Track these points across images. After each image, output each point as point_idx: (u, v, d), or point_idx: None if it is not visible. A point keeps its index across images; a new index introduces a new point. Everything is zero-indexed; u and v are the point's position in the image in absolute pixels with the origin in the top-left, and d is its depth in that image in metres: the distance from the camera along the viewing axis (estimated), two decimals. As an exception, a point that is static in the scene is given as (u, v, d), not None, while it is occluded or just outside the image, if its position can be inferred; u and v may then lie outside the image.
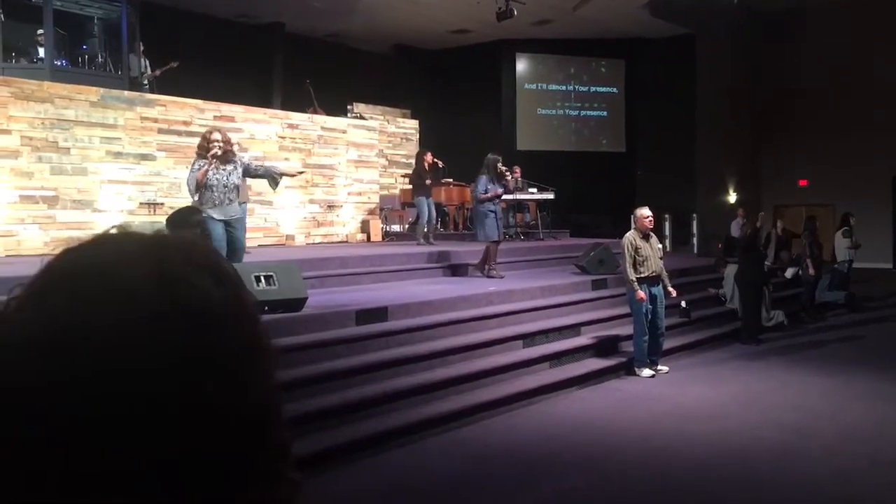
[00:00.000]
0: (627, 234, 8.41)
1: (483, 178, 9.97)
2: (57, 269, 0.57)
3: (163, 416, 0.52)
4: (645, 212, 8.45)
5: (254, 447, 0.56)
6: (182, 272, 0.56)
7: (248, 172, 7.31)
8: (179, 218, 4.08)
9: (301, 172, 8.94)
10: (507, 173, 10.23)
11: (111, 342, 0.52)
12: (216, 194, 6.92)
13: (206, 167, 6.89)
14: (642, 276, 8.19)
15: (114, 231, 0.61)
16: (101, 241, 0.59)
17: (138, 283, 0.54)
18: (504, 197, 14.29)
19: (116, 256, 0.56)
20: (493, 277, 9.96)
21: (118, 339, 0.52)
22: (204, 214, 6.94)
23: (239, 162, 7.18)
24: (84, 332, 0.52)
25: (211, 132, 7.10)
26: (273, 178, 7.51)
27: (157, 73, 12.54)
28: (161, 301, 0.54)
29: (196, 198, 7.05)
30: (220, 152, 6.90)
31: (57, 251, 0.59)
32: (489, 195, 9.82)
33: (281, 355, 0.60)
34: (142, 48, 12.49)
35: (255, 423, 0.56)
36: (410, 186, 14.02)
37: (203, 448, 0.53)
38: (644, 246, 8.26)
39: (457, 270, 10.72)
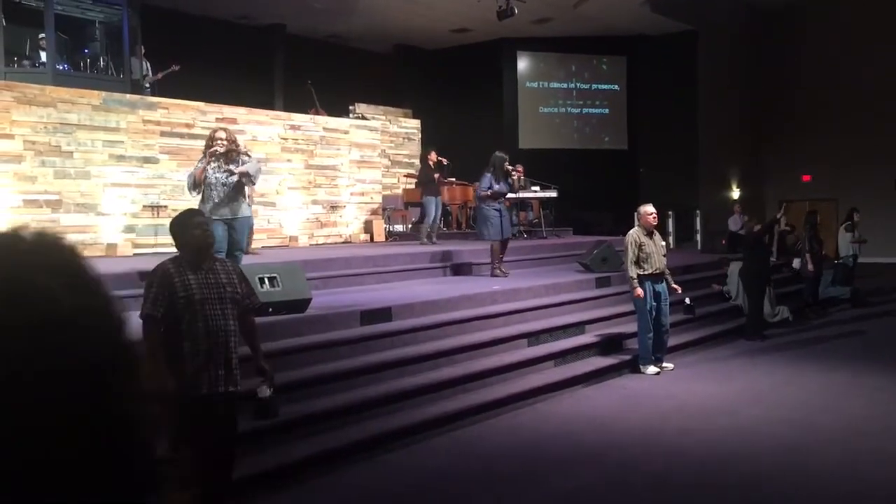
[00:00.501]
0: (631, 231, 8.41)
1: (487, 176, 9.95)
2: None
3: None
4: (649, 208, 8.45)
5: (106, 458, 0.53)
6: (29, 277, 0.53)
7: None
8: (182, 221, 4.09)
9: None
10: (514, 173, 10.20)
11: None
12: (215, 192, 6.90)
13: (203, 165, 6.89)
14: (646, 273, 8.19)
15: None
16: None
17: None
18: (508, 196, 14.36)
19: None
20: (496, 276, 9.95)
21: None
22: (206, 213, 6.94)
23: (243, 162, 7.15)
24: None
25: (216, 130, 7.13)
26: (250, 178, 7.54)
27: (160, 76, 12.55)
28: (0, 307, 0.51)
29: (194, 195, 7.05)
30: (221, 150, 6.90)
31: None
32: (488, 193, 9.83)
33: (142, 366, 0.56)
34: (143, 51, 12.50)
35: (107, 434, 0.53)
36: (414, 186, 14.02)
37: (44, 459, 0.50)
38: (648, 243, 8.26)
39: (460, 270, 10.71)
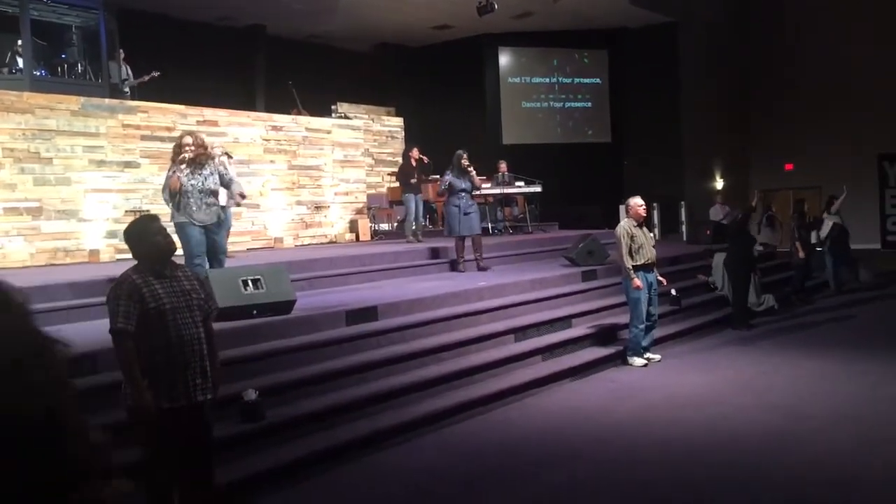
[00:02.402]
0: (622, 223, 8.43)
1: (448, 175, 10.23)
2: None
3: None
4: (638, 200, 8.49)
5: (30, 460, 0.54)
6: None
7: (221, 180, 7.22)
8: (140, 229, 3.99)
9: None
10: (471, 168, 10.29)
11: None
12: (192, 199, 6.87)
13: (176, 174, 6.83)
14: (638, 263, 8.21)
15: None
16: None
17: None
18: (492, 191, 14.36)
19: None
20: (459, 272, 10.09)
21: None
22: (183, 219, 6.89)
23: (216, 166, 7.11)
24: None
25: (182, 136, 7.05)
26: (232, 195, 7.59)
27: (145, 79, 12.40)
28: None
29: (171, 205, 7.00)
30: (189, 156, 6.85)
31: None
32: (444, 189, 10.21)
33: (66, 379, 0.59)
34: (122, 55, 12.40)
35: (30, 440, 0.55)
36: (397, 184, 13.98)
37: None
38: (639, 234, 8.29)
39: (446, 267, 10.70)
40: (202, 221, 6.91)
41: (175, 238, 4.40)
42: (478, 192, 11.28)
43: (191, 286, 3.96)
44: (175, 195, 6.87)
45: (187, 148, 6.83)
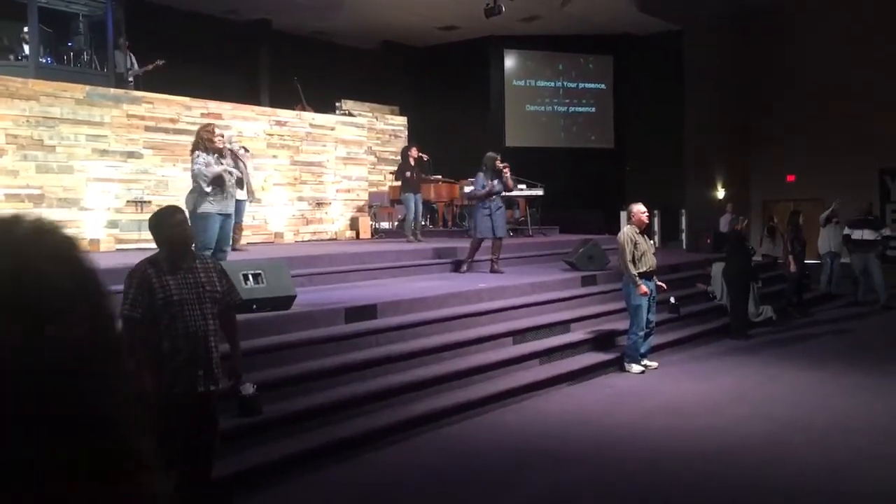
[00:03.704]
0: (625, 230, 8.42)
1: (479, 177, 10.06)
2: None
3: None
4: (641, 207, 8.48)
5: (84, 445, 0.52)
6: (29, 261, 0.52)
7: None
8: (161, 218, 4.04)
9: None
10: (507, 170, 10.19)
11: None
12: (225, 188, 6.99)
13: (212, 159, 6.92)
14: (641, 271, 8.19)
15: None
16: None
17: None
18: (502, 194, 14.34)
19: None
20: (462, 272, 10.07)
21: None
22: (211, 210, 6.93)
23: (239, 158, 7.29)
24: None
25: (214, 126, 7.18)
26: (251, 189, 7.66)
27: (148, 68, 12.39)
28: None
29: (209, 190, 6.99)
30: (227, 147, 7.02)
31: None
32: (483, 192, 9.94)
33: (129, 361, 0.58)
34: (126, 44, 12.38)
35: (87, 423, 0.53)
36: (398, 183, 13.98)
37: (19, 439, 0.49)
38: (641, 241, 8.29)
39: (447, 267, 10.69)
40: (226, 210, 7.03)
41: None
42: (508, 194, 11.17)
43: (207, 278, 3.98)
44: (213, 182, 6.92)
45: (219, 139, 6.94)
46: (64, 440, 0.51)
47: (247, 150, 10.36)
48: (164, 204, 6.88)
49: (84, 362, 0.52)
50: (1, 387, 0.49)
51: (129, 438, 0.56)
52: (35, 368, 0.50)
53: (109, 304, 0.56)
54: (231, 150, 10.17)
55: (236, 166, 7.25)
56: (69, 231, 0.59)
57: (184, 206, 6.92)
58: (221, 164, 6.98)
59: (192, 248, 4.14)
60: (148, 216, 4.22)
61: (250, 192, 10.13)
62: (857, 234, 13.26)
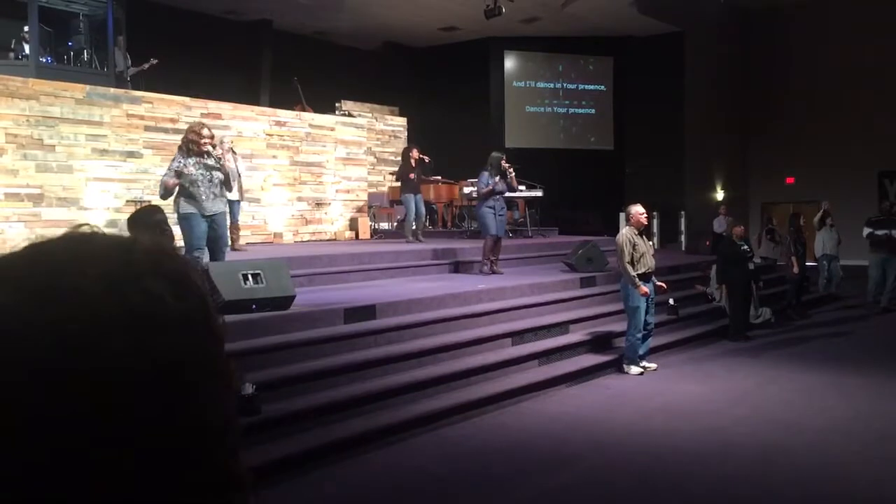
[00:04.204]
0: (624, 231, 8.41)
1: (484, 175, 10.03)
2: (10, 262, 0.55)
3: (80, 421, 0.48)
4: (640, 209, 8.48)
5: (185, 467, 0.52)
6: (138, 278, 0.53)
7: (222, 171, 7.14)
8: (140, 219, 3.97)
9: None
10: (512, 170, 10.18)
11: (45, 340, 0.49)
12: (202, 189, 6.77)
13: (180, 165, 6.73)
14: (640, 272, 8.19)
15: (85, 230, 0.58)
16: (68, 238, 0.56)
17: (86, 283, 0.51)
18: (505, 194, 14.34)
19: (74, 255, 0.54)
20: (484, 273, 9.99)
21: (52, 337, 0.49)
22: (190, 210, 6.82)
23: (220, 157, 7.07)
24: (19, 327, 0.49)
25: (201, 127, 6.92)
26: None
27: (145, 66, 12.38)
28: (106, 304, 0.51)
29: (171, 198, 6.88)
30: (212, 149, 6.85)
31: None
32: (486, 190, 9.90)
33: (238, 385, 0.59)
34: (123, 43, 12.38)
35: (191, 444, 0.53)
36: (398, 184, 13.98)
37: (120, 455, 0.49)
38: (640, 242, 8.29)
39: (446, 268, 10.70)
40: (210, 212, 6.85)
41: (175, 230, 4.37)
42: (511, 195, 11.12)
43: None
44: (171, 194, 6.81)
45: (205, 140, 6.77)
46: (173, 454, 0.52)
47: (234, 152, 10.36)
48: (164, 203, 6.93)
49: (186, 381, 0.53)
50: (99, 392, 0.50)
51: (229, 458, 0.57)
52: (138, 381, 0.51)
53: (213, 324, 0.57)
54: (232, 150, 10.19)
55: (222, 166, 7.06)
56: (182, 254, 0.60)
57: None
58: (203, 164, 6.82)
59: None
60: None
61: (240, 192, 10.13)
62: (881, 233, 12.95)
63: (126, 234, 0.61)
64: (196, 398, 0.54)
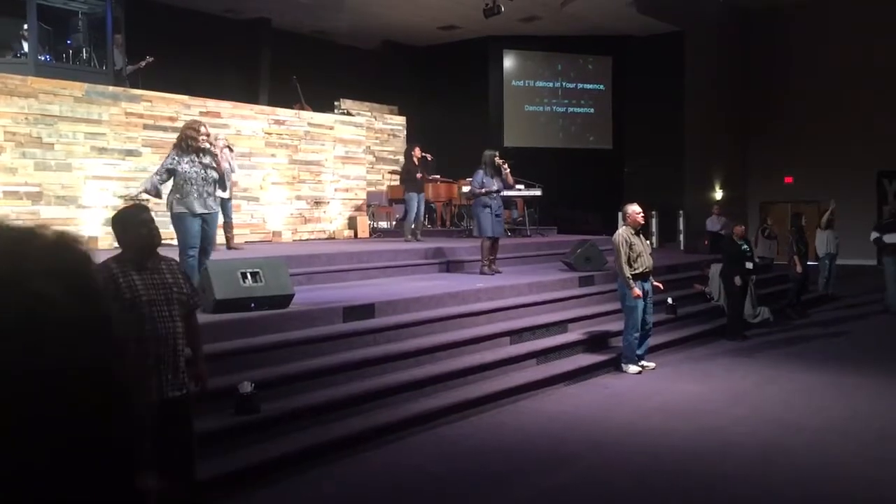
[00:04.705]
0: (620, 231, 8.40)
1: (479, 173, 9.96)
2: None
3: None
4: (636, 208, 8.46)
5: (74, 472, 0.50)
6: (30, 279, 0.50)
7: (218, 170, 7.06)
8: (126, 218, 3.89)
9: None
10: (506, 167, 10.08)
11: None
12: (194, 187, 6.67)
13: (172, 164, 6.64)
14: (637, 272, 8.18)
15: None
16: None
17: None
18: (502, 193, 14.33)
19: None
20: (484, 274, 9.94)
21: None
22: (182, 210, 6.73)
23: (216, 156, 6.99)
24: None
25: (199, 125, 6.81)
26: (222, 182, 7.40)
27: (142, 64, 12.34)
28: None
29: (166, 194, 6.82)
30: (208, 147, 6.79)
31: None
32: (481, 190, 9.83)
33: (142, 387, 0.55)
34: (120, 42, 12.35)
35: (78, 457, 0.50)
36: (398, 183, 13.99)
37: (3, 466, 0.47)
38: (637, 242, 8.28)
39: (444, 267, 10.70)
40: (202, 211, 6.78)
41: (162, 229, 4.28)
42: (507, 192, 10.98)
43: (173, 279, 3.84)
44: (159, 195, 6.76)
45: (202, 138, 6.69)
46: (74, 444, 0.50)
47: (231, 149, 10.35)
48: (162, 202, 6.92)
49: (74, 384, 0.50)
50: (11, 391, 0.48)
51: (132, 474, 0.54)
52: (27, 380, 0.48)
53: (105, 323, 0.54)
54: (229, 147, 10.17)
55: (218, 164, 6.96)
56: (86, 245, 0.57)
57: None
58: (197, 163, 6.74)
59: (157, 251, 3.91)
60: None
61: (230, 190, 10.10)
62: (890, 238, 12.62)
63: (30, 225, 0.57)
64: (84, 408, 0.50)
